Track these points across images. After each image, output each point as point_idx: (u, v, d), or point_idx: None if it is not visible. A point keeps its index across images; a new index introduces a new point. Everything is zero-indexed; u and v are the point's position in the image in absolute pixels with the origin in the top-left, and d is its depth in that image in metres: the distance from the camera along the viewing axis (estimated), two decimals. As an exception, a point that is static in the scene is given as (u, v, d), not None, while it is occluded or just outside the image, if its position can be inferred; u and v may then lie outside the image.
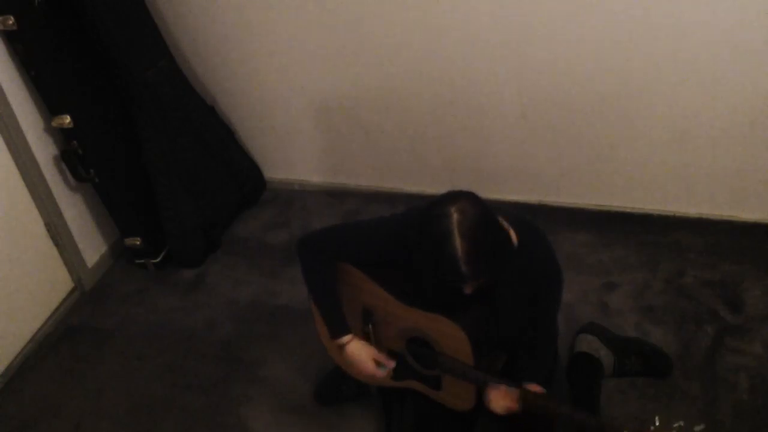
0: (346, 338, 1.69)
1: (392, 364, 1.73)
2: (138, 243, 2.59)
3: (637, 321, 2.15)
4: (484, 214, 1.36)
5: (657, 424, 1.41)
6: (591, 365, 1.96)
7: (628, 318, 2.17)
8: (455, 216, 1.32)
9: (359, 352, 1.70)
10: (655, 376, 1.97)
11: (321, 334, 1.88)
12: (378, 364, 1.71)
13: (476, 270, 1.33)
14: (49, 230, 2.45)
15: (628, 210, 2.55)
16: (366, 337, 1.77)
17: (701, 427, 1.38)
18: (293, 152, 2.89)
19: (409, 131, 2.63)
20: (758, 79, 2.10)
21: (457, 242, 1.30)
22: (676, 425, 1.39)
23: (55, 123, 2.31)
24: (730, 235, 2.39)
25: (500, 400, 1.59)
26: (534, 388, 1.58)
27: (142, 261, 2.65)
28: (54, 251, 2.50)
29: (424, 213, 1.38)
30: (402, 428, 1.92)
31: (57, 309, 2.53)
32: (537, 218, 1.60)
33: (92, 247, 2.65)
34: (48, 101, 2.31)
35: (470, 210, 1.34)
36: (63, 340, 2.45)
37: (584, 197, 2.59)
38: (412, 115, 2.57)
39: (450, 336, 1.59)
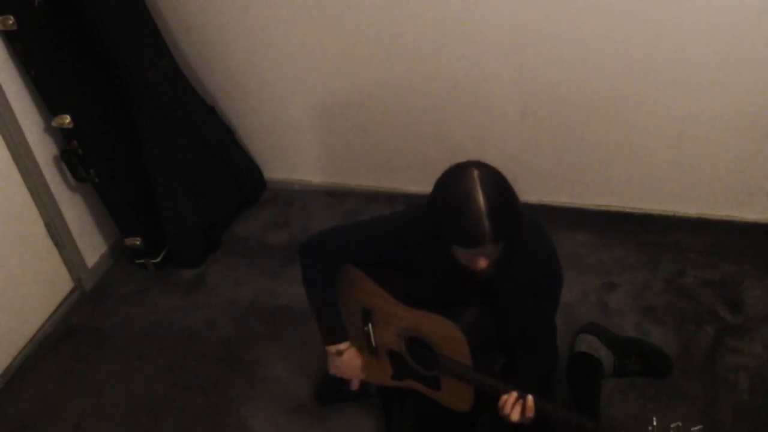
0: (343, 345, 1.74)
1: (357, 386, 1.84)
2: (138, 243, 2.59)
3: (637, 321, 2.15)
4: (502, 176, 1.37)
5: (654, 424, 1.41)
6: (591, 365, 1.96)
7: (628, 318, 2.17)
8: (476, 173, 1.32)
9: (355, 362, 1.78)
10: (655, 376, 1.97)
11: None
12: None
13: (499, 227, 1.31)
14: (49, 230, 2.45)
15: (628, 210, 2.55)
16: (366, 336, 1.78)
17: (698, 428, 1.37)
18: (293, 152, 2.89)
19: (409, 131, 2.63)
20: (758, 79, 2.10)
21: (481, 198, 1.30)
22: (673, 426, 1.39)
23: (55, 123, 2.31)
24: (730, 235, 2.39)
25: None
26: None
27: (142, 261, 2.65)
28: (54, 251, 2.50)
29: (443, 177, 1.37)
30: (402, 428, 1.92)
31: (57, 309, 2.53)
32: (537, 218, 1.59)
33: (92, 247, 2.65)
34: (48, 101, 2.30)
35: (489, 171, 1.35)
36: (63, 340, 2.44)
37: (584, 197, 2.59)
38: (412, 115, 2.57)
39: (448, 337, 1.59)
